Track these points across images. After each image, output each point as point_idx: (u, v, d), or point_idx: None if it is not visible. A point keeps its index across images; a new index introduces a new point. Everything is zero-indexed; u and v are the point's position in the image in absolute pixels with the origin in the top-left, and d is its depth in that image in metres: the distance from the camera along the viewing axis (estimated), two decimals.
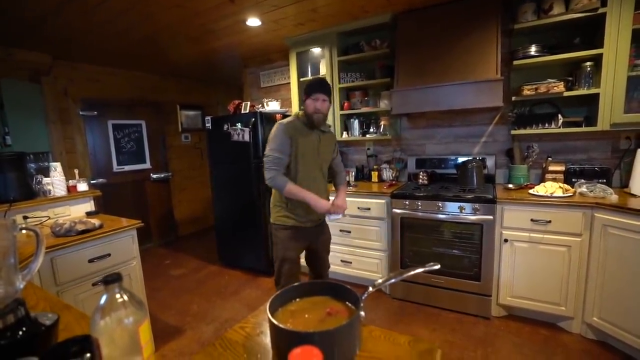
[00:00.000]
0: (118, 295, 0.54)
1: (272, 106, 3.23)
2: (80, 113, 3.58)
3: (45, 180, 2.05)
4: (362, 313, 0.61)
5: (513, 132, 2.43)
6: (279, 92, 3.76)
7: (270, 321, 0.60)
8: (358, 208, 2.69)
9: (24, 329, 0.65)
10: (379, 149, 3.25)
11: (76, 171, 2.29)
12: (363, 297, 0.64)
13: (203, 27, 2.77)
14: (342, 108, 3.05)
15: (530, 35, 2.38)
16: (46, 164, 3.10)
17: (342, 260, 2.88)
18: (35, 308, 0.91)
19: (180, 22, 2.65)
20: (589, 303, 1.96)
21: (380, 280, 0.70)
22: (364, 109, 2.96)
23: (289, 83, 3.43)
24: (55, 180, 2.06)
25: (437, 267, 0.69)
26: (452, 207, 2.29)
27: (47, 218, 1.98)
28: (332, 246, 2.92)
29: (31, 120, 3.06)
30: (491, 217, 2.16)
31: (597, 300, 1.92)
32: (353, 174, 3.10)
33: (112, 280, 0.54)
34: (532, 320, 2.23)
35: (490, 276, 2.22)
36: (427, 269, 0.68)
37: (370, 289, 0.68)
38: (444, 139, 2.93)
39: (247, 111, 3.07)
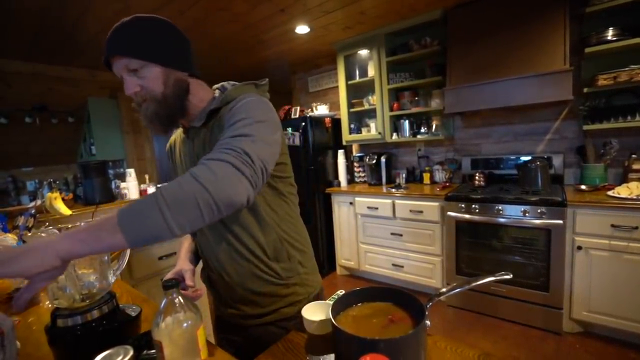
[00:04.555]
0: (177, 300, 0.57)
1: (321, 110, 3.28)
2: None
3: (122, 184, 2.30)
4: (428, 322, 0.59)
5: (585, 127, 2.18)
6: (327, 96, 3.80)
7: (333, 325, 0.60)
8: (410, 211, 2.61)
9: (116, 318, 0.74)
10: (430, 150, 3.13)
11: (147, 176, 2.53)
12: (428, 306, 0.62)
13: (254, 38, 2.91)
14: (391, 109, 3.00)
15: (605, 17, 2.13)
16: (122, 170, 3.49)
17: (393, 264, 2.82)
18: (121, 300, 1.02)
19: (233, 36, 2.81)
20: None
21: (445, 289, 0.68)
22: (414, 109, 2.88)
23: (337, 87, 3.45)
24: (130, 185, 2.30)
25: (509, 276, 0.64)
26: (513, 211, 2.12)
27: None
28: (382, 249, 2.88)
29: (110, 131, 3.47)
30: (561, 221, 1.96)
31: None
32: (403, 175, 3.02)
33: (170, 285, 0.57)
34: (617, 340, 1.96)
35: (561, 287, 2.01)
36: (497, 278, 0.64)
37: (436, 297, 0.66)
38: (502, 137, 2.73)
39: (297, 116, 3.16)
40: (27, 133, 3.75)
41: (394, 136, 3.04)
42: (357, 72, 3.24)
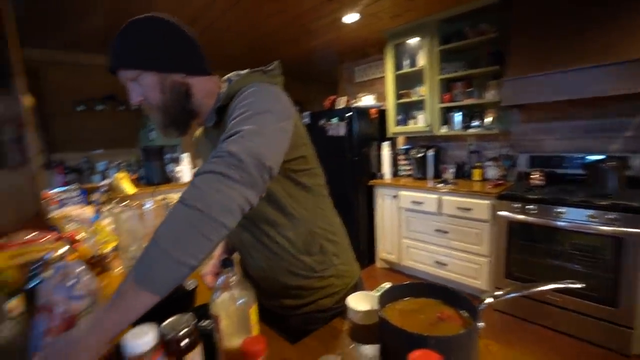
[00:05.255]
0: (233, 279, 0.61)
1: (367, 101, 3.23)
2: None
3: (177, 168, 2.47)
4: (481, 324, 0.57)
5: None
6: (373, 87, 3.73)
7: (381, 317, 0.60)
8: (457, 208, 2.50)
9: (176, 290, 0.80)
10: (482, 145, 2.94)
11: (199, 161, 2.69)
12: (480, 307, 0.59)
13: (303, 27, 2.92)
14: (441, 101, 2.86)
15: None
16: (176, 154, 3.74)
17: (436, 262, 2.73)
18: None
19: (282, 27, 2.85)
20: None
21: (501, 292, 0.64)
22: (467, 101, 2.72)
23: (384, 77, 3.36)
24: (184, 169, 2.47)
25: (579, 285, 0.59)
26: (577, 215, 1.94)
27: (167, 201, 2.40)
28: (425, 245, 2.80)
29: None
30: (637, 230, 1.75)
31: None
32: (452, 171, 2.89)
33: (228, 264, 0.61)
34: None
35: (633, 304, 1.80)
36: (564, 286, 0.59)
37: (488, 299, 0.62)
38: (567, 133, 2.48)
39: (343, 106, 3.14)
40: (99, 119, 4.16)
41: (443, 129, 2.90)
42: (406, 62, 3.13)
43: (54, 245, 1.18)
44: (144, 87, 0.71)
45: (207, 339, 0.61)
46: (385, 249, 3.19)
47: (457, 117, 2.82)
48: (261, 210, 0.81)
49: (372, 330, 0.73)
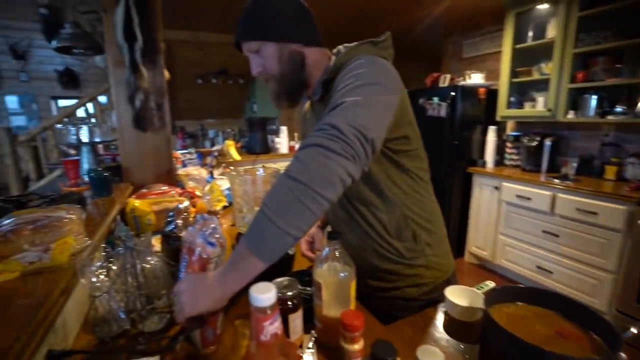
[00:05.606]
0: (338, 252, 0.63)
1: (475, 79, 2.90)
2: None
3: (277, 139, 2.65)
4: (624, 355, 0.47)
5: None
6: (484, 63, 3.31)
7: (489, 318, 0.56)
8: (577, 210, 2.12)
9: None
10: (623, 137, 2.38)
11: (296, 134, 2.84)
12: (626, 335, 0.49)
13: None
14: (572, 80, 2.38)
15: None
16: (274, 127, 4.01)
17: (538, 266, 2.41)
18: None
19: None
20: None
21: None
22: (611, 81, 2.20)
23: (499, 52, 2.95)
24: (282, 141, 2.64)
25: None
26: None
27: (277, 170, 2.61)
28: (527, 246, 2.49)
29: (267, 93, 3.98)
30: None
31: None
32: (574, 165, 2.43)
33: (334, 237, 0.63)
34: None
35: None
36: None
37: (634, 329, 0.52)
38: None
39: (446, 84, 2.88)
40: (212, 91, 4.71)
41: (570, 114, 2.43)
42: (531, 33, 2.66)
43: (179, 199, 1.41)
44: (264, 58, 0.75)
45: (306, 303, 0.66)
46: (477, 243, 2.93)
47: (592, 100, 2.31)
48: (356, 188, 0.80)
49: (471, 327, 0.69)
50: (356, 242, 0.86)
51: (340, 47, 0.81)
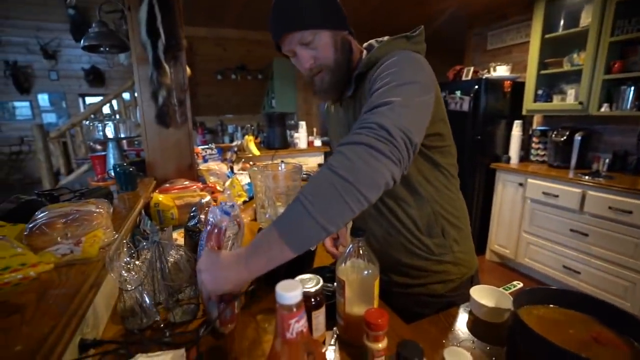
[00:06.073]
0: (362, 250, 0.62)
1: (500, 71, 2.79)
2: None
3: (295, 134, 2.65)
4: None
5: None
6: (509, 55, 3.18)
7: (518, 320, 0.53)
8: (609, 208, 2.01)
9: None
10: None
11: (315, 129, 2.83)
12: None
13: None
14: (608, 71, 2.25)
15: None
16: (293, 122, 4.02)
17: (564, 266, 2.32)
18: None
19: None
20: None
21: None
22: None
23: (526, 42, 2.82)
24: (301, 136, 2.64)
25: None
26: None
27: (297, 165, 2.62)
28: (553, 245, 2.40)
29: (287, 87, 4.00)
30: None
31: None
32: (607, 161, 2.31)
33: (358, 234, 0.62)
34: None
35: None
36: None
37: None
38: None
39: (469, 78, 2.79)
40: (231, 87, 4.76)
41: (604, 108, 2.30)
42: (562, 22, 2.53)
43: (201, 193, 1.44)
44: (318, 48, 0.71)
45: (327, 300, 0.66)
46: (499, 241, 2.85)
47: (630, 92, 2.18)
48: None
49: (498, 329, 0.67)
50: (383, 238, 0.85)
51: (372, 41, 0.79)
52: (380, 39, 0.77)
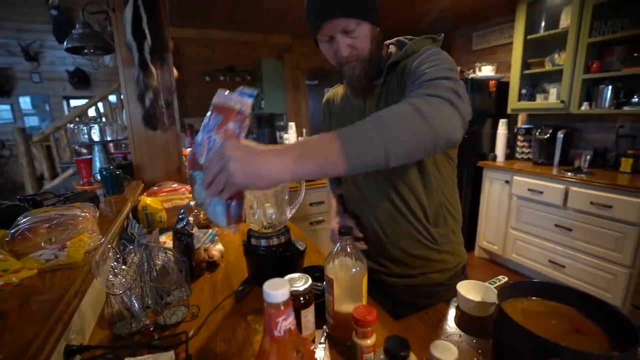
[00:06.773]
0: (349, 248, 0.62)
1: (485, 71, 2.85)
2: (306, 82, 4.35)
3: (285, 135, 2.65)
4: None
5: None
6: (494, 55, 3.25)
7: (503, 313, 0.55)
8: (591, 203, 2.07)
9: (289, 248, 0.88)
10: (639, 128, 2.32)
11: (304, 130, 2.83)
12: None
13: None
14: (587, 71, 2.32)
15: None
16: (282, 123, 4.02)
17: (550, 261, 2.38)
18: None
19: None
20: None
21: None
22: (627, 70, 2.14)
23: (509, 43, 2.89)
24: (291, 137, 2.63)
25: None
26: None
27: None
28: (539, 240, 2.46)
29: (275, 88, 3.99)
30: None
31: None
32: (588, 157, 2.38)
33: (346, 232, 0.62)
34: None
35: None
36: None
37: None
38: None
39: None
40: (220, 88, 4.72)
41: (584, 106, 2.37)
42: (544, 23, 2.60)
43: (189, 196, 1.42)
44: (358, 38, 0.72)
45: (317, 298, 0.66)
46: (487, 237, 2.90)
47: (608, 91, 2.25)
48: (405, 170, 0.80)
49: (484, 322, 0.68)
50: (391, 228, 0.85)
51: (401, 38, 0.84)
52: (410, 37, 0.82)
